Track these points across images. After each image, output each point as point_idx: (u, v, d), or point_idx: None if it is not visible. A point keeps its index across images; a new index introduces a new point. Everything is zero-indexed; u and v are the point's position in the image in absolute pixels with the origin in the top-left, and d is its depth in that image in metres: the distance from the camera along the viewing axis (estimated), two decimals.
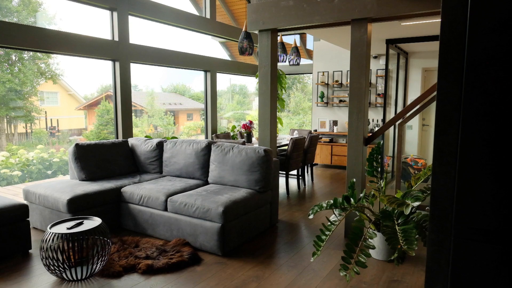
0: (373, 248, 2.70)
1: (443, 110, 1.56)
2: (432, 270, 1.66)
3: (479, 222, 1.44)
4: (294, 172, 6.95)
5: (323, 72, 8.45)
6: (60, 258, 2.85)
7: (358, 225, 2.78)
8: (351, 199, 2.98)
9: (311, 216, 2.95)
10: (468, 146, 1.46)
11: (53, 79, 13.12)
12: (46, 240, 2.84)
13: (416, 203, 2.45)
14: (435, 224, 1.67)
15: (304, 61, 10.08)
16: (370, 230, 3.21)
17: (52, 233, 2.86)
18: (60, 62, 13.07)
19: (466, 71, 1.44)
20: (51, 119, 13.33)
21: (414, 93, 7.42)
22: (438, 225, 1.66)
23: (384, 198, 2.74)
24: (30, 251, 3.53)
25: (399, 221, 2.69)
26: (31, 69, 12.02)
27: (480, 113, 1.41)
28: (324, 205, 2.96)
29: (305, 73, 10.33)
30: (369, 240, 3.02)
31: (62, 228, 2.95)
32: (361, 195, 3.10)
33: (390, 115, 7.43)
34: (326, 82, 8.42)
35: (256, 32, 4.32)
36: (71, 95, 14.90)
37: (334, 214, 2.93)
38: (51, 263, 2.85)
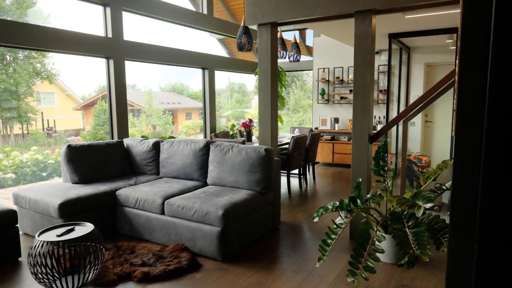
0: (382, 252, 2.54)
1: (465, 105, 1.40)
2: (453, 280, 1.50)
3: (506, 227, 1.30)
4: (295, 171, 6.79)
5: (324, 68, 8.28)
6: (50, 267, 2.68)
7: (365, 227, 2.62)
8: (358, 200, 2.81)
9: (316, 219, 2.78)
10: (494, 144, 1.31)
11: (49, 79, 12.94)
12: (34, 248, 2.68)
13: (428, 205, 2.29)
14: (456, 230, 1.51)
15: (303, 58, 9.90)
16: (378, 232, 3.05)
17: (41, 241, 2.69)
18: (56, 62, 12.89)
19: (492, 62, 1.28)
20: (47, 120, 13.15)
21: (417, 89, 7.25)
22: (459, 231, 1.50)
23: (393, 199, 2.57)
24: (19, 259, 3.36)
25: (409, 224, 2.52)
26: (26, 69, 11.84)
27: (507, 108, 1.26)
28: (330, 207, 2.80)
29: (305, 70, 10.16)
30: (378, 243, 2.86)
31: (52, 236, 2.78)
32: (368, 195, 2.94)
33: (393, 111, 7.27)
34: (327, 79, 8.25)
35: (255, 27, 4.15)
36: (68, 95, 14.72)
37: (340, 216, 2.77)
38: (39, 272, 2.68)
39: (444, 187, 2.79)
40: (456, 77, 1.70)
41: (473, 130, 1.38)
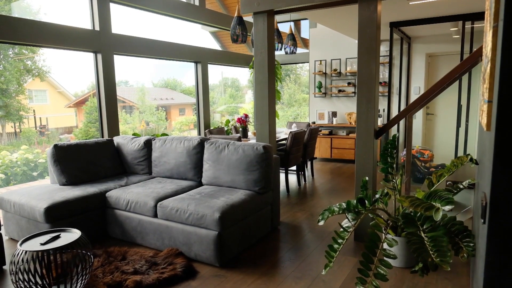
0: (394, 258, 2.33)
1: (508, 93, 1.18)
2: None
3: None
4: (293, 167, 6.58)
5: (320, 60, 8.05)
6: (33, 279, 2.45)
7: (375, 230, 2.41)
8: (366, 201, 2.60)
9: (321, 223, 2.57)
10: None
11: (40, 77, 12.62)
12: (16, 257, 2.45)
13: (448, 207, 2.08)
14: (495, 242, 1.30)
15: (299, 50, 9.65)
16: (389, 236, 2.85)
17: (23, 250, 2.46)
18: (47, 59, 12.52)
19: None
20: (40, 118, 12.84)
21: (418, 80, 7.04)
22: (499, 244, 1.29)
23: (405, 200, 2.36)
24: (4, 267, 3.13)
25: (424, 227, 2.31)
26: (17, 67, 11.52)
27: None
28: (336, 209, 2.58)
29: (301, 63, 9.92)
30: (388, 248, 2.65)
31: (35, 244, 2.55)
32: (377, 196, 2.73)
33: (394, 104, 7.05)
34: (324, 71, 8.02)
35: (250, 16, 3.91)
36: (60, 93, 14.39)
37: (348, 219, 2.56)
38: (22, 280, 2.45)
39: (461, 186, 2.59)
40: (489, 62, 1.47)
41: None
